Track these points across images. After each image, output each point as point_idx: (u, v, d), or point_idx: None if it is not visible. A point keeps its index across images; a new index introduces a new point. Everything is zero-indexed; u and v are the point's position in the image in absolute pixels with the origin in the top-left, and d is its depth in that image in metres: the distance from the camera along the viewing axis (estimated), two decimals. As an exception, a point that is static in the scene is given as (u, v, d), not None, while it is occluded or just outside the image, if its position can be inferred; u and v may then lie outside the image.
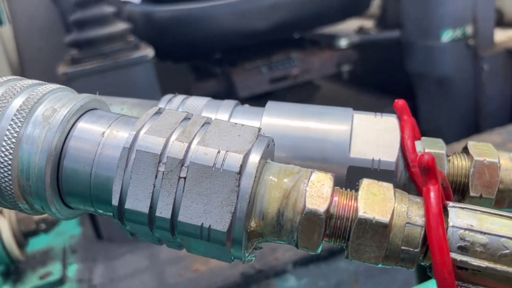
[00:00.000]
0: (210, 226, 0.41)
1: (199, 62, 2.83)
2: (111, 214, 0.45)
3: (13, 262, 1.39)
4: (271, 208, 0.43)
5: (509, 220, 0.41)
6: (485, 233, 0.40)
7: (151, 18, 2.30)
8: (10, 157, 0.44)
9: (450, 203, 0.43)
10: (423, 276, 0.91)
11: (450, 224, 0.41)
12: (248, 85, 2.47)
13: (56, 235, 1.62)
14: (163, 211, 0.42)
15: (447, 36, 2.39)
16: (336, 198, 0.43)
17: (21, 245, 1.42)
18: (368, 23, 3.08)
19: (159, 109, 0.48)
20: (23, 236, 1.42)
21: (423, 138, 0.57)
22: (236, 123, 0.47)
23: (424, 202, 0.42)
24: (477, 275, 0.41)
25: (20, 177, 0.45)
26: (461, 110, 2.47)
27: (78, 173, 0.46)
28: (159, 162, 0.43)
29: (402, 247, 0.42)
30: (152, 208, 0.43)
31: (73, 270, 1.47)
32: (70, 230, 1.65)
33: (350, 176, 0.54)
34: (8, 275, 1.43)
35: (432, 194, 0.42)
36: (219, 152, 0.43)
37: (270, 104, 0.59)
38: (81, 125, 0.47)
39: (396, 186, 0.51)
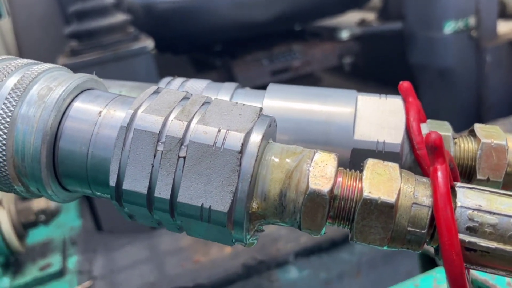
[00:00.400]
0: (210, 206, 0.40)
1: (199, 54, 2.82)
2: (109, 196, 0.44)
3: (12, 253, 1.38)
4: (273, 189, 0.42)
5: (519, 200, 0.40)
6: (494, 213, 0.39)
7: (151, 9, 2.28)
8: (5, 137, 0.43)
9: (458, 184, 0.41)
10: (427, 265, 0.90)
11: (458, 204, 0.40)
12: (249, 78, 2.45)
13: (56, 227, 1.61)
14: (162, 192, 0.41)
15: (449, 28, 2.37)
16: (340, 179, 0.42)
17: (21, 236, 1.41)
18: (370, 16, 3.06)
19: (158, 88, 0.47)
20: (23, 228, 1.41)
21: (428, 120, 0.56)
22: (237, 103, 0.45)
23: (431, 182, 0.41)
24: (486, 257, 0.39)
25: (15, 157, 0.44)
26: (463, 101, 2.45)
27: (75, 153, 0.44)
28: (158, 141, 0.41)
29: (409, 228, 0.40)
30: (151, 188, 0.42)
31: (73, 261, 1.46)
32: (70, 222, 1.64)
33: (354, 159, 0.52)
34: (8, 266, 1.42)
35: (439, 174, 0.40)
36: (219, 131, 0.41)
37: (271, 86, 0.58)
38: (77, 104, 0.46)
39: (401, 168, 0.49)
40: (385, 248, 0.42)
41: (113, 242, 1.52)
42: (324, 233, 0.43)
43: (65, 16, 2.15)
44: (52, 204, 1.43)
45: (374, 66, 3.05)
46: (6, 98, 0.44)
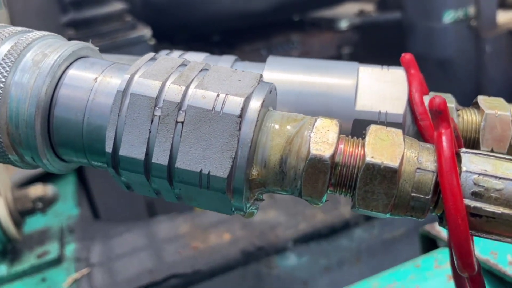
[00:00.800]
0: (209, 172, 0.39)
1: (198, 44, 2.80)
2: (105, 164, 0.43)
3: (10, 241, 1.37)
4: (274, 155, 0.41)
5: (525, 165, 0.39)
6: (500, 178, 0.38)
7: (149, -2, 2.27)
8: (-2, 104, 0.42)
9: (463, 149, 0.41)
10: (428, 247, 0.89)
11: (464, 169, 0.39)
12: (248, 68, 2.43)
13: (53, 215, 1.60)
14: (160, 158, 0.40)
15: (448, 17, 2.36)
16: (342, 146, 0.41)
17: (18, 224, 1.40)
18: (369, 6, 3.05)
19: (155, 55, 0.46)
20: (20, 215, 1.40)
21: (431, 93, 0.55)
22: (236, 70, 0.44)
23: (436, 146, 0.40)
24: (491, 223, 0.38)
25: (9, 124, 0.43)
26: (463, 92, 2.44)
27: (70, 121, 0.43)
28: (155, 106, 0.40)
29: (413, 194, 0.39)
30: (148, 155, 0.41)
31: (70, 249, 1.45)
32: (67, 210, 1.63)
33: (356, 131, 0.51)
34: (5, 254, 1.41)
35: (444, 138, 0.40)
36: (218, 95, 0.40)
37: (271, 58, 0.57)
38: (73, 72, 0.45)
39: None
40: (388, 215, 0.41)
41: (111, 230, 1.52)
42: (326, 200, 0.42)
43: (62, 5, 2.13)
44: (49, 192, 1.41)
45: (373, 56, 3.04)
46: (0, 65, 0.43)
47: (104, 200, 1.69)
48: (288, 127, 0.42)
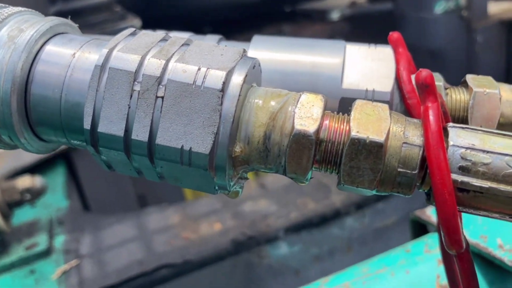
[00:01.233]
0: (191, 148, 0.38)
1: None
2: (85, 143, 0.42)
3: (-2, 233, 1.36)
4: (257, 132, 0.40)
5: (512, 139, 0.38)
6: (488, 152, 0.37)
7: (138, -12, 2.25)
8: (-28, 80, 0.41)
9: (450, 124, 0.40)
10: (418, 233, 0.88)
11: (451, 143, 0.38)
12: (239, 59, 2.42)
13: (42, 207, 1.58)
14: (140, 134, 0.39)
15: (440, 8, 2.36)
16: (327, 122, 0.40)
17: (6, 215, 1.38)
18: (360, -3, 3.04)
19: (135, 30, 0.44)
20: (8, 207, 1.38)
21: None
22: (218, 45, 0.43)
23: (422, 120, 0.39)
24: (479, 198, 0.38)
25: (-17, 102, 0.41)
26: (454, 82, 2.44)
27: (47, 98, 0.42)
28: (134, 80, 0.39)
29: (399, 169, 0.38)
30: (128, 131, 0.39)
31: (60, 241, 1.44)
32: (57, 202, 1.62)
33: (343, 109, 0.50)
34: (-7, 246, 1.40)
35: (431, 112, 0.39)
36: (199, 69, 0.39)
37: (256, 37, 0.56)
38: (50, 47, 0.43)
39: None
40: (374, 192, 0.40)
41: (101, 221, 1.50)
42: (311, 178, 0.41)
43: (50, -4, 2.10)
44: (37, 183, 1.40)
45: (365, 47, 3.03)
46: (-27, 40, 0.41)
47: (94, 192, 1.68)
48: (272, 102, 0.41)
